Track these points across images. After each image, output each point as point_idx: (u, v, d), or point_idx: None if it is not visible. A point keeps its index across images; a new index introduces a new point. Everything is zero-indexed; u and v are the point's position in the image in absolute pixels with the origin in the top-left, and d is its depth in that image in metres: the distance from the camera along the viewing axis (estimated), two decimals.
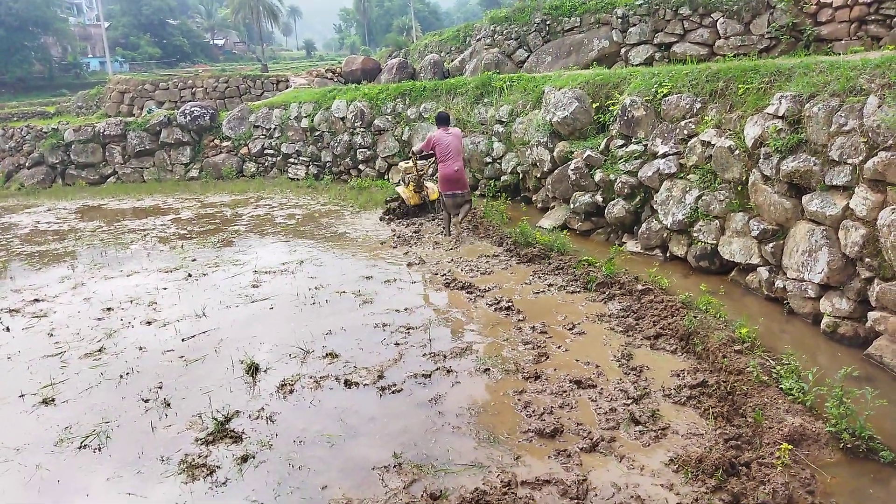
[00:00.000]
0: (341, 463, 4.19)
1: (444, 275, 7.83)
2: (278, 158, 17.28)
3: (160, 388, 5.34)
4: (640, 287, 6.92)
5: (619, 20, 14.28)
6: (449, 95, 14.04)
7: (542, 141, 10.62)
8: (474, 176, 12.81)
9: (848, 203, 5.69)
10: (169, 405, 5.05)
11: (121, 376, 5.60)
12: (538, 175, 10.94)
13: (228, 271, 8.56)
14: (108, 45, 50.75)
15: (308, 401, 5.03)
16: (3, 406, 5.24)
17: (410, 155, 10.95)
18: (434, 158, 10.48)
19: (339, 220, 11.50)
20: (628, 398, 4.81)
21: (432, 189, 11.08)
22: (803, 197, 6.25)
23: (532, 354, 5.59)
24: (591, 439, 4.28)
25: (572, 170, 9.64)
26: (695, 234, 7.70)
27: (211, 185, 16.73)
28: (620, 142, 9.19)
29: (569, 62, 14.94)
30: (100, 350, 6.20)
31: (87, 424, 4.81)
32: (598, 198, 9.30)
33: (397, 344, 5.95)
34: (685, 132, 8.16)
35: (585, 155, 9.53)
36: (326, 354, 5.79)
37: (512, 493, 3.77)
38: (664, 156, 8.31)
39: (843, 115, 5.81)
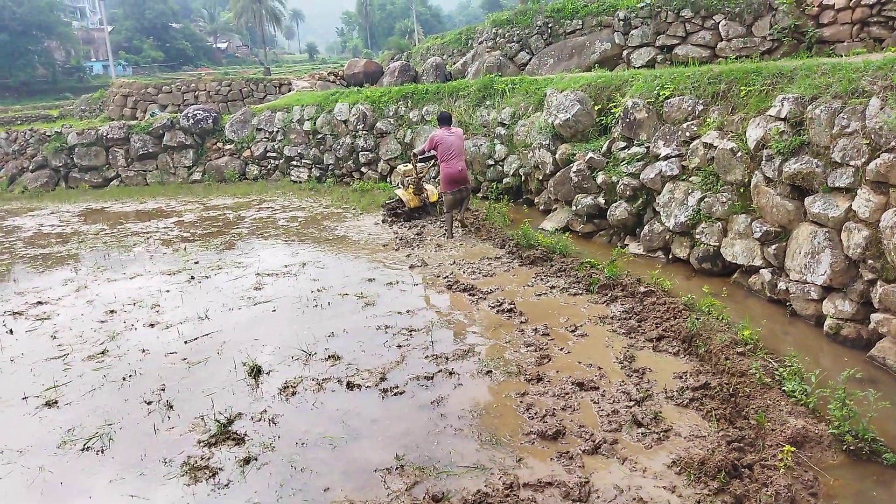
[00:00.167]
0: (343, 465, 4.19)
1: (447, 277, 7.84)
2: (281, 161, 17.31)
3: (163, 390, 5.35)
4: (642, 289, 6.91)
5: (621, 23, 14.28)
6: (451, 98, 14.06)
7: (544, 143, 10.62)
8: (476, 178, 12.81)
9: (850, 205, 5.68)
10: (172, 407, 5.06)
11: (124, 378, 5.61)
12: (540, 177, 10.95)
13: (231, 274, 8.57)
14: (111, 48, 50.84)
15: (310, 403, 5.03)
16: (7, 408, 5.25)
17: (411, 157, 10.98)
18: (434, 160, 10.55)
19: (342, 222, 11.52)
20: (630, 400, 4.80)
21: (432, 191, 11.11)
22: (806, 199, 6.24)
23: (534, 356, 5.59)
24: (594, 441, 4.27)
25: (574, 172, 9.64)
26: (697, 236, 7.70)
27: (214, 187, 16.77)
28: (622, 144, 9.19)
29: (571, 65, 14.94)
30: (103, 352, 6.21)
31: (90, 427, 4.82)
32: (601, 200, 9.30)
33: (399, 346, 5.95)
34: (687, 134, 8.16)
35: (587, 157, 9.54)
36: (329, 357, 5.79)
37: (514, 495, 3.77)
38: (666, 158, 8.31)
39: (845, 116, 5.80)
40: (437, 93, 14.57)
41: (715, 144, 7.54)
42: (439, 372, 5.38)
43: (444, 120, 9.79)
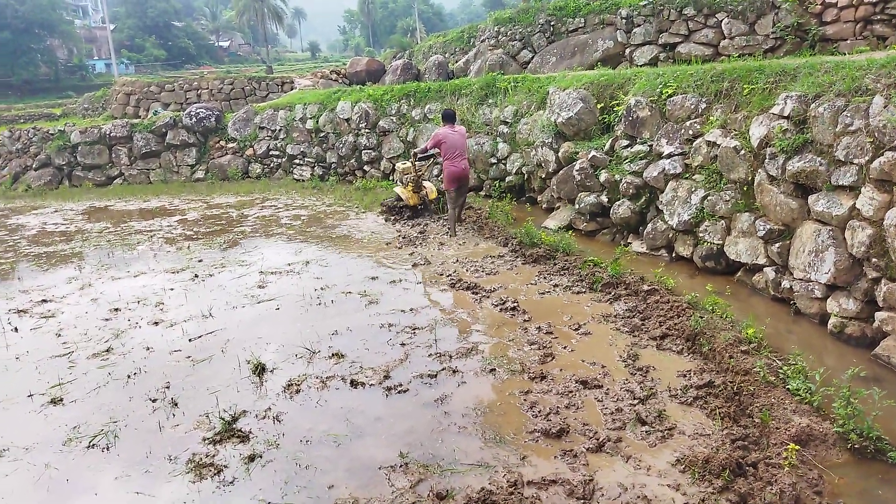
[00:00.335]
0: (348, 462, 4.21)
1: (450, 275, 7.84)
2: (283, 160, 17.32)
3: (167, 387, 5.36)
4: (645, 287, 6.91)
5: (624, 21, 14.27)
6: (453, 96, 14.05)
7: (546, 141, 10.62)
8: (479, 176, 12.82)
9: (854, 203, 5.68)
10: (176, 405, 5.07)
11: (128, 376, 5.62)
12: (543, 176, 10.95)
13: (234, 272, 8.59)
14: (113, 47, 50.91)
15: (314, 401, 5.04)
16: (12, 406, 5.26)
17: (410, 156, 11.00)
18: (433, 159, 10.60)
19: (345, 220, 11.53)
20: (634, 398, 4.80)
21: (431, 189, 11.12)
22: (809, 197, 6.24)
23: (538, 355, 5.59)
24: (598, 439, 4.28)
25: (577, 170, 9.64)
26: (700, 235, 7.70)
27: (216, 186, 16.78)
28: (625, 142, 9.19)
29: (573, 63, 14.93)
30: (107, 350, 6.23)
31: (95, 424, 4.83)
32: (604, 198, 9.30)
33: (403, 344, 5.96)
34: (690, 132, 8.16)
35: (590, 155, 9.53)
36: (332, 355, 5.80)
37: (518, 492, 3.77)
38: (669, 156, 8.31)
39: (848, 115, 5.80)
40: (439, 91, 14.57)
41: (718, 143, 7.53)
42: (443, 370, 5.38)
43: (448, 117, 9.80)
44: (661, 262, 7.99)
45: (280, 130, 17.44)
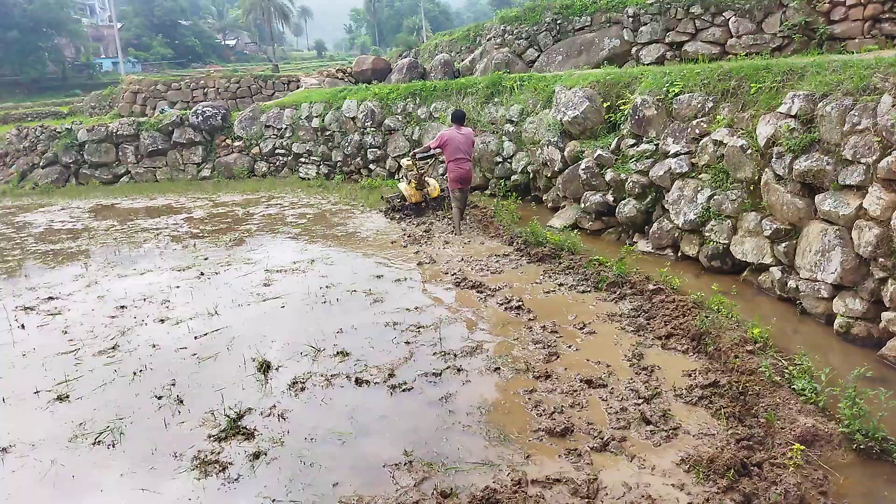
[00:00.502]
0: (352, 460, 4.22)
1: (455, 274, 7.84)
2: (289, 158, 17.34)
3: (173, 385, 5.38)
4: (651, 287, 6.90)
5: (630, 19, 14.24)
6: (459, 95, 14.04)
7: (552, 140, 10.61)
8: (484, 175, 12.81)
9: (861, 203, 5.65)
10: (182, 402, 5.09)
11: (134, 373, 5.65)
12: (549, 174, 10.94)
13: (240, 270, 8.61)
14: (120, 45, 51.17)
15: (319, 399, 5.05)
16: (19, 402, 5.30)
17: (411, 154, 11.04)
18: (435, 158, 10.66)
19: (350, 219, 11.54)
20: (639, 398, 4.80)
21: (434, 186, 11.15)
22: (816, 196, 6.21)
23: (542, 354, 5.59)
24: (602, 439, 4.28)
25: (583, 169, 9.62)
26: (706, 234, 7.67)
27: (223, 184, 16.82)
28: (631, 141, 9.16)
29: (579, 61, 14.90)
30: (113, 347, 6.26)
31: (101, 421, 4.86)
32: (609, 197, 9.28)
33: (408, 343, 5.96)
34: (697, 131, 8.13)
35: (596, 154, 9.51)
36: (337, 353, 5.81)
37: (522, 491, 3.77)
38: (676, 155, 8.28)
39: (856, 114, 5.77)
40: (445, 90, 14.56)
41: (725, 142, 7.51)
42: (447, 368, 5.39)
43: (458, 118, 9.81)
44: (667, 262, 7.97)
45: (286, 129, 17.47)
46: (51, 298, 7.89)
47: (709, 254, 7.64)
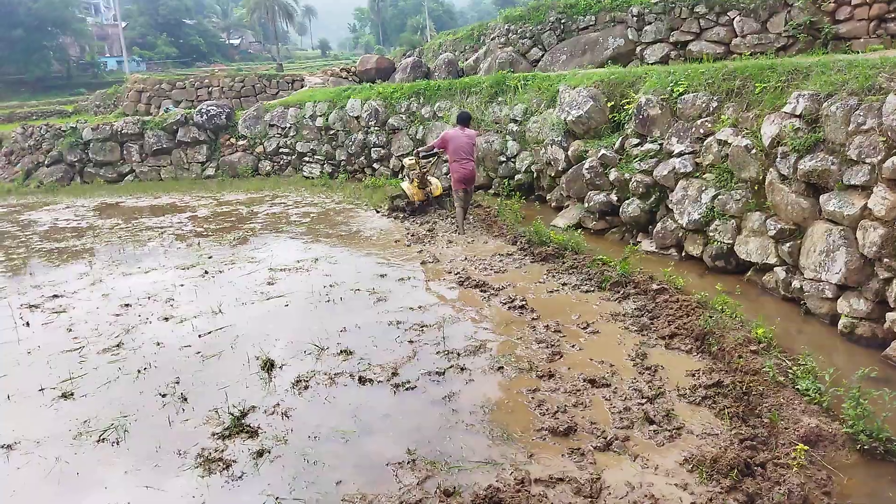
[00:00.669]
0: (356, 459, 4.22)
1: (458, 273, 7.85)
2: (293, 157, 17.37)
3: (177, 383, 5.40)
4: (654, 286, 6.89)
5: (635, 19, 14.22)
6: (463, 94, 14.04)
7: (556, 140, 10.60)
8: (488, 175, 12.80)
9: (866, 203, 5.63)
10: (186, 400, 5.11)
11: (139, 371, 5.67)
12: (552, 174, 10.93)
13: (244, 268, 8.63)
14: (125, 44, 51.27)
15: (323, 397, 5.06)
16: (24, 400, 5.32)
17: (415, 153, 11.06)
18: (437, 157, 10.70)
19: (354, 218, 11.55)
20: (643, 397, 4.79)
21: (436, 185, 11.17)
22: (821, 196, 6.19)
23: (546, 353, 5.59)
24: (605, 438, 4.28)
25: (587, 169, 9.62)
26: (711, 234, 7.66)
27: (227, 183, 16.85)
28: (635, 141, 9.15)
29: (584, 61, 14.89)
30: (118, 345, 6.28)
31: (106, 418, 4.87)
32: (613, 197, 9.27)
33: (411, 341, 5.97)
34: (701, 131, 8.11)
35: (600, 154, 9.50)
36: (341, 351, 5.82)
37: (525, 490, 3.78)
38: (680, 155, 8.27)
39: (861, 113, 5.75)
40: (449, 89, 14.55)
41: (729, 141, 7.49)
42: (451, 367, 5.39)
43: (463, 120, 9.86)
44: (671, 262, 7.96)
45: (290, 128, 17.49)
46: (55, 296, 7.92)
47: (713, 253, 7.62)
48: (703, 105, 8.22)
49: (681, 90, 8.62)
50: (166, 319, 6.90)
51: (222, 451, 4.37)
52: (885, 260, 5.42)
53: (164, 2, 62.49)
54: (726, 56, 12.48)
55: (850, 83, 6.12)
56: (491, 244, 9.19)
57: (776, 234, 6.68)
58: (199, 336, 6.37)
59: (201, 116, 18.00)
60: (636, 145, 9.08)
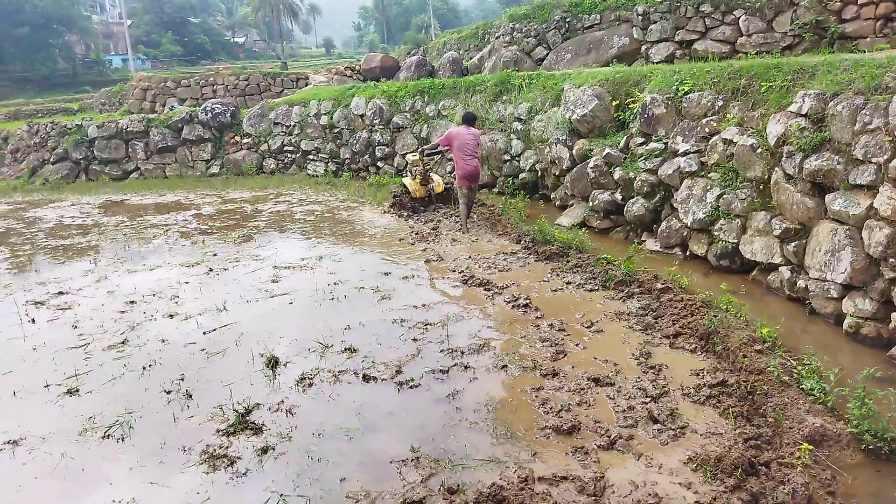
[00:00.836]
0: (360, 456, 4.23)
1: (462, 271, 7.85)
2: (298, 155, 17.39)
3: (182, 380, 5.41)
4: (659, 285, 6.88)
5: (640, 17, 14.19)
6: (468, 93, 14.03)
7: (561, 139, 10.59)
8: (492, 173, 12.80)
9: (872, 202, 5.61)
10: (191, 397, 5.12)
11: (143, 368, 5.69)
12: (557, 173, 10.92)
13: (249, 266, 8.65)
14: (130, 42, 51.39)
15: (327, 394, 5.07)
16: (30, 396, 5.34)
17: (419, 150, 11.09)
18: (441, 155, 10.74)
19: (358, 216, 11.56)
20: (647, 396, 4.79)
21: (438, 182, 11.20)
22: (826, 196, 6.17)
23: (550, 352, 5.59)
24: (609, 437, 4.28)
25: (591, 168, 9.60)
26: (715, 233, 7.64)
27: (231, 181, 16.89)
28: (640, 140, 9.14)
29: (588, 60, 14.87)
30: (123, 342, 6.30)
31: (111, 415, 4.89)
32: (618, 196, 9.26)
33: (415, 340, 5.98)
34: (706, 130, 8.09)
35: (605, 153, 9.49)
36: (345, 349, 5.83)
37: (529, 488, 3.78)
38: (685, 154, 8.25)
39: (867, 113, 5.73)
40: (453, 88, 14.55)
41: (735, 140, 7.48)
42: (455, 366, 5.39)
43: (468, 120, 9.93)
44: (675, 261, 7.95)
45: (294, 126, 17.50)
46: (61, 293, 7.95)
47: (717, 253, 7.61)
48: (709, 104, 8.20)
49: (686, 89, 8.60)
50: (171, 317, 6.92)
51: (227, 447, 4.39)
52: (891, 260, 5.40)
53: (169, 0, 62.60)
54: (732, 55, 12.45)
55: (856, 82, 6.10)
56: (495, 243, 9.19)
57: (781, 234, 6.67)
58: (204, 333, 6.39)
59: (206, 114, 18.03)
60: (641, 144, 9.07)
